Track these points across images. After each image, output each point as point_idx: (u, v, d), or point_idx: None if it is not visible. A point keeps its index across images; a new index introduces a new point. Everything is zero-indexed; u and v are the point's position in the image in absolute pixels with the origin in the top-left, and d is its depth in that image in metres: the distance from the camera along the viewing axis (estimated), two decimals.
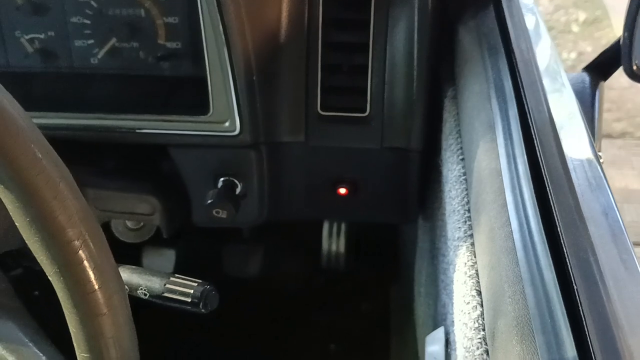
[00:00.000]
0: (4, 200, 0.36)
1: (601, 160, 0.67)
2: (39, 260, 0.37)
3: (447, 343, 0.60)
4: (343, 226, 1.26)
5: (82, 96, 0.74)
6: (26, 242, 0.37)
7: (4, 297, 0.49)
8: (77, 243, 0.36)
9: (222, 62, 0.67)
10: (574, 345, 0.35)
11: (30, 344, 0.45)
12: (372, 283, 1.39)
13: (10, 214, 0.36)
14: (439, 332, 0.63)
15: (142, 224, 0.78)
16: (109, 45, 0.73)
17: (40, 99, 0.74)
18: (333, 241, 1.29)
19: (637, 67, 0.60)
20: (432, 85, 0.72)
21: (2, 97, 0.35)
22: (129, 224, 0.78)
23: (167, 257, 1.23)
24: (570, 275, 0.38)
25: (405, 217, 0.84)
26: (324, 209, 0.83)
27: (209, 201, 0.73)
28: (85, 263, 0.36)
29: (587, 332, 0.35)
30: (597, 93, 0.70)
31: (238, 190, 0.75)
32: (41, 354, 0.44)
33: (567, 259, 0.39)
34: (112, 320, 0.38)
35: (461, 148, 0.60)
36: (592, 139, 0.50)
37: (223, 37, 0.65)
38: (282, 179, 0.78)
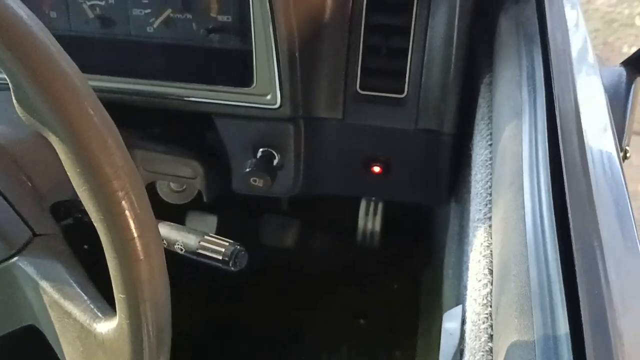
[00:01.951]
0: (58, 151, 0.41)
1: (628, 155, 0.68)
2: (86, 208, 0.41)
3: (464, 321, 0.62)
4: (380, 205, 1.29)
5: (136, 63, 0.78)
6: (76, 190, 0.41)
7: (54, 241, 0.54)
8: (120, 194, 0.40)
9: (268, 37, 0.70)
10: (567, 323, 0.37)
11: (75, 285, 0.50)
12: (404, 263, 1.42)
13: (63, 164, 0.41)
14: (457, 310, 0.65)
15: (184, 186, 0.83)
16: (165, 15, 0.77)
17: (97, 63, 0.78)
18: (369, 219, 1.32)
19: None
20: (469, 70, 0.73)
21: (62, 58, 0.39)
22: (172, 186, 0.82)
23: (209, 223, 1.28)
24: (573, 258, 0.40)
25: (436, 199, 0.86)
26: (356, 185, 0.86)
27: (248, 170, 0.77)
28: (127, 213, 0.40)
29: (581, 312, 0.37)
30: (632, 88, 0.70)
31: (275, 162, 0.79)
32: (84, 294, 0.49)
33: (572, 243, 0.41)
34: (148, 266, 0.42)
35: (491, 133, 0.62)
36: (615, 134, 0.51)
37: (269, 14, 0.68)
38: (318, 153, 0.81)
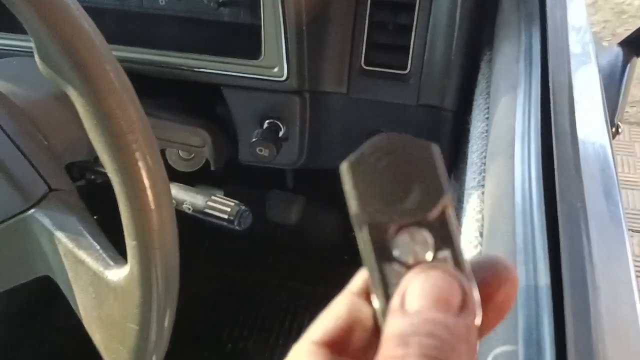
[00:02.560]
0: (76, 105, 0.43)
1: (620, 130, 0.71)
2: (101, 159, 0.44)
3: None
4: None
5: (148, 34, 0.81)
6: (92, 142, 0.44)
7: (69, 196, 0.57)
8: (134, 146, 0.43)
9: (276, 12, 0.72)
10: (549, 276, 0.40)
11: (88, 236, 0.53)
12: None
13: (81, 117, 0.44)
14: None
15: (193, 155, 0.85)
16: None
17: (110, 33, 0.80)
18: None
19: None
20: (472, 48, 0.75)
21: (82, 17, 0.42)
22: (181, 154, 0.85)
23: None
24: (557, 218, 0.43)
25: None
26: None
27: (254, 139, 0.79)
28: (140, 164, 0.43)
29: (561, 266, 0.40)
30: (627, 67, 0.72)
31: (281, 133, 0.82)
32: (96, 244, 0.52)
33: (557, 205, 0.44)
34: (158, 216, 0.44)
35: (488, 108, 0.64)
36: (605, 107, 0.54)
37: None
38: (322, 126, 0.83)
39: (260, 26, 0.75)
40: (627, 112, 2.42)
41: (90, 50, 0.41)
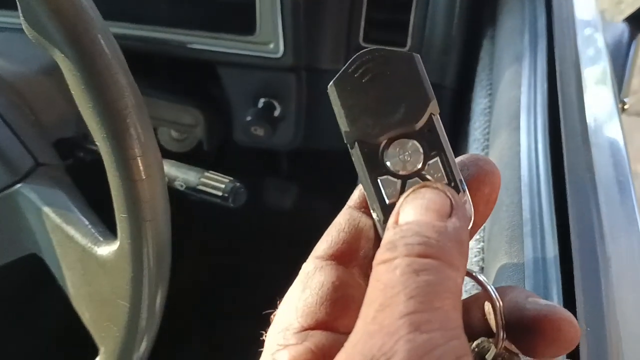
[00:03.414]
0: (63, 69, 0.41)
1: (626, 107, 0.69)
2: (89, 127, 0.42)
3: None
4: None
5: (141, 10, 0.79)
6: (80, 109, 0.42)
7: (57, 172, 0.55)
8: (124, 113, 0.41)
9: None
10: (556, 248, 0.38)
11: (76, 211, 0.51)
12: None
13: (68, 83, 0.41)
14: None
15: (185, 135, 0.83)
16: None
17: (102, 9, 0.78)
18: None
19: None
20: (472, 24, 0.74)
21: None
22: (173, 134, 0.83)
23: None
24: (565, 189, 0.41)
25: None
26: None
27: (249, 119, 0.77)
28: (131, 131, 0.41)
29: (570, 238, 0.38)
30: (633, 44, 0.71)
31: (277, 113, 0.80)
32: (85, 220, 0.50)
33: (565, 175, 0.42)
34: (149, 187, 0.42)
35: (491, 83, 0.62)
36: (614, 80, 0.52)
37: None
38: (319, 105, 0.81)
39: (254, 1, 0.73)
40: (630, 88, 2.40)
41: (78, 12, 0.39)
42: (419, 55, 0.26)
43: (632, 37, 0.71)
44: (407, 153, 0.25)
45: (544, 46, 0.54)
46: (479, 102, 0.63)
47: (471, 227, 0.26)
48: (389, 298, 0.20)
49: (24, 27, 0.41)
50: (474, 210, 0.26)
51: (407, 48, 0.75)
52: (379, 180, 0.25)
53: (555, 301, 0.35)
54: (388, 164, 0.25)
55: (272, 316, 0.28)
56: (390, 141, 0.25)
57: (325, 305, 0.25)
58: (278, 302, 0.28)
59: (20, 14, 0.41)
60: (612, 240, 0.38)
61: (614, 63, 0.65)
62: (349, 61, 0.25)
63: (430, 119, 0.25)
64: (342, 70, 0.25)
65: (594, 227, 0.39)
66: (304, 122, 0.82)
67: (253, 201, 1.35)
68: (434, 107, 0.25)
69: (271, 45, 0.73)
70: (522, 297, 0.24)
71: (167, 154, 0.87)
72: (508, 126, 0.50)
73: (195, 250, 1.30)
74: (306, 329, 0.25)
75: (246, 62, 0.76)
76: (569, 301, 0.35)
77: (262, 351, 0.27)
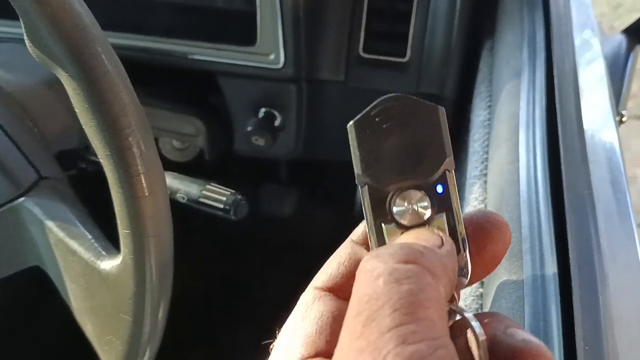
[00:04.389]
0: (67, 88, 0.42)
1: (624, 119, 0.70)
2: (92, 144, 0.43)
3: None
4: None
5: (142, 20, 0.79)
6: (84, 127, 0.42)
7: (60, 184, 0.55)
8: (127, 131, 0.41)
9: None
10: (555, 265, 0.39)
11: (80, 225, 0.51)
12: None
13: (72, 100, 0.42)
14: None
15: (186, 144, 0.84)
16: None
17: (103, 20, 0.79)
18: None
19: None
20: (471, 36, 0.74)
21: (76, 2, 0.40)
22: (175, 143, 0.83)
23: None
24: (564, 206, 0.42)
25: None
26: None
27: (249, 129, 0.78)
28: (134, 149, 0.41)
29: (569, 255, 0.39)
30: (631, 56, 0.71)
31: (277, 122, 0.80)
32: (88, 234, 0.50)
33: (564, 193, 0.43)
34: (152, 203, 0.43)
35: (490, 95, 0.63)
36: (611, 94, 0.52)
37: None
38: (319, 116, 0.82)
39: (255, 12, 0.73)
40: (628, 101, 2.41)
41: (81, 31, 0.40)
42: (444, 109, 0.26)
43: (630, 49, 0.72)
44: (415, 205, 0.25)
45: (542, 61, 0.55)
46: (479, 114, 0.63)
47: (470, 280, 0.26)
48: (375, 312, 0.20)
49: (27, 46, 0.42)
50: (477, 265, 0.26)
51: (406, 59, 0.76)
52: (381, 226, 0.25)
53: (554, 320, 0.36)
54: (394, 211, 0.25)
55: (270, 347, 0.28)
56: (400, 190, 0.25)
57: (325, 335, 0.25)
58: (277, 331, 0.29)
59: (24, 33, 0.41)
60: (610, 257, 0.39)
61: (612, 75, 0.66)
62: (373, 103, 0.25)
63: (444, 174, 0.25)
64: (364, 111, 0.25)
65: (592, 244, 0.39)
66: (304, 132, 0.82)
67: (253, 209, 1.35)
68: (449, 164, 0.25)
69: (272, 56, 0.74)
70: (501, 329, 0.24)
71: (168, 163, 0.88)
72: (508, 141, 0.50)
73: (194, 258, 1.31)
74: (306, 358, 0.25)
75: (247, 73, 0.77)
76: (568, 319, 0.36)
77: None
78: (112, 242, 0.49)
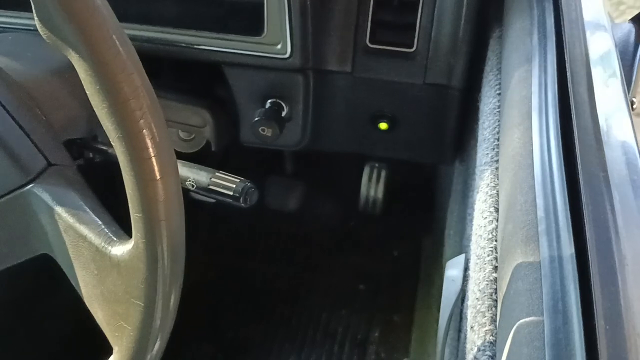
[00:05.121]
0: (78, 70, 0.41)
1: (634, 107, 0.69)
2: (104, 127, 0.42)
3: (467, 268, 0.63)
4: (383, 173, 1.30)
5: (149, 10, 0.79)
6: (95, 109, 0.42)
7: (68, 171, 0.55)
8: (138, 113, 0.41)
9: None
10: (572, 246, 0.39)
11: (89, 211, 0.50)
12: (405, 230, 1.44)
13: (83, 83, 0.41)
14: (460, 258, 0.67)
15: (193, 135, 0.83)
16: None
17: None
18: (372, 186, 1.33)
19: None
20: (479, 25, 0.74)
21: None
22: (182, 134, 0.83)
23: None
24: (579, 187, 0.41)
25: (442, 156, 0.87)
26: (363, 142, 0.87)
27: (256, 119, 0.77)
28: (145, 132, 0.41)
29: (586, 235, 0.38)
30: None
31: (284, 113, 0.80)
32: (98, 219, 0.50)
33: (579, 174, 0.42)
34: (164, 186, 0.42)
35: (499, 83, 0.63)
36: (623, 79, 0.52)
37: None
38: (326, 107, 0.81)
39: (262, 2, 0.73)
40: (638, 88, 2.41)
41: (93, 12, 0.39)
42: None
43: (639, 37, 0.71)
44: None
45: (553, 46, 0.54)
46: (488, 102, 0.63)
47: None
48: None
49: (37, 27, 0.42)
50: None
51: (414, 49, 0.76)
52: None
53: (573, 300, 0.35)
54: None
55: None
56: None
57: None
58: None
59: (35, 14, 0.41)
60: (627, 238, 0.38)
61: (622, 63, 0.65)
62: None
63: None
64: None
65: (609, 225, 0.39)
66: (311, 122, 0.82)
67: (259, 203, 1.35)
68: None
69: (279, 46, 0.74)
70: None
71: (175, 154, 0.87)
72: (520, 125, 0.50)
73: (200, 252, 1.31)
74: None
75: (254, 63, 0.76)
76: (587, 299, 0.35)
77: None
78: (123, 227, 0.49)
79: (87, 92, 0.42)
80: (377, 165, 1.29)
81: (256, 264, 1.35)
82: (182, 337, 1.16)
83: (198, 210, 0.82)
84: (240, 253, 1.35)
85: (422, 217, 1.39)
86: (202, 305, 1.25)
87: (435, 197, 1.33)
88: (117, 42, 0.40)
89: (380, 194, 1.32)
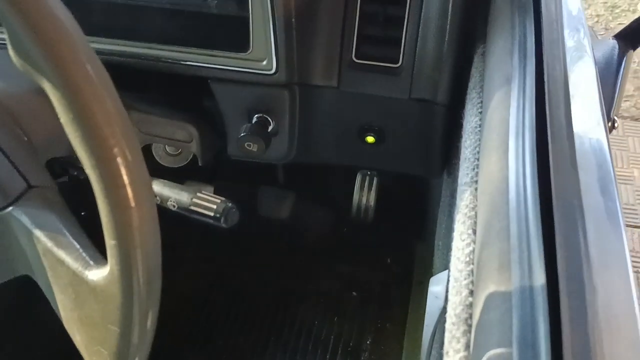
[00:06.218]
0: (51, 98, 0.41)
1: (616, 125, 0.69)
2: (78, 155, 0.42)
3: (449, 283, 0.64)
4: (375, 180, 1.30)
5: (134, 26, 0.79)
6: (69, 138, 0.42)
7: (49, 193, 0.55)
8: (112, 141, 0.41)
9: (264, 3, 0.71)
10: (544, 275, 0.39)
11: (68, 234, 0.51)
12: (398, 238, 1.44)
13: (57, 112, 0.42)
14: (443, 274, 0.67)
15: (179, 150, 0.83)
16: None
17: (95, 26, 0.79)
18: (364, 194, 1.33)
19: None
20: (464, 42, 0.74)
21: (56, 6, 0.39)
22: (168, 149, 0.83)
23: None
24: (553, 215, 0.41)
25: (429, 170, 0.87)
26: (350, 155, 0.87)
27: (242, 134, 0.77)
28: (119, 159, 0.41)
29: (557, 265, 0.38)
30: (623, 61, 0.71)
31: (270, 128, 0.80)
32: (76, 243, 0.50)
33: (552, 202, 0.42)
34: (139, 213, 0.42)
35: (481, 101, 0.63)
36: (602, 101, 0.52)
37: None
38: (313, 121, 0.81)
39: (248, 18, 0.73)
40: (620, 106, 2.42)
41: (65, 40, 0.39)
42: None
43: (622, 54, 0.71)
44: None
45: (532, 67, 0.54)
46: (470, 120, 0.63)
47: None
48: None
49: (10, 54, 0.42)
50: None
51: (399, 64, 0.76)
52: None
53: (542, 331, 0.35)
54: None
55: None
56: None
57: None
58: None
59: (8, 44, 0.41)
60: (600, 266, 0.38)
61: (604, 80, 0.65)
62: None
63: None
64: None
65: (582, 253, 0.39)
66: (298, 137, 0.82)
67: (250, 212, 1.35)
68: None
69: (264, 62, 0.74)
70: None
71: (162, 169, 0.87)
72: (499, 148, 0.50)
73: (193, 260, 1.31)
74: None
75: (240, 79, 0.76)
76: (556, 331, 0.35)
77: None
78: (102, 250, 0.49)
79: (60, 119, 0.42)
80: (369, 173, 1.29)
81: (247, 273, 1.35)
82: (173, 347, 1.17)
83: (189, 220, 0.82)
84: (231, 262, 1.35)
85: (414, 225, 1.39)
86: (193, 314, 1.25)
87: (426, 204, 1.33)
88: (89, 70, 0.40)
89: (372, 202, 1.32)
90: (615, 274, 0.40)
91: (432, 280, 0.68)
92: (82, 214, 0.76)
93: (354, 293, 1.38)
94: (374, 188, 1.32)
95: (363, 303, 1.37)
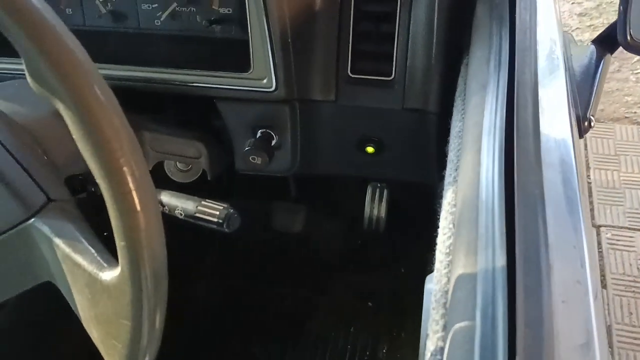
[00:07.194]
0: (64, 118, 0.47)
1: (593, 124, 0.73)
2: (89, 167, 0.48)
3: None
4: (385, 192, 1.34)
5: (145, 53, 0.85)
6: (81, 152, 0.48)
7: (67, 206, 0.60)
8: (118, 153, 0.46)
9: (262, 26, 0.76)
10: (505, 258, 0.43)
11: (84, 241, 0.56)
12: (410, 247, 1.47)
13: (70, 129, 0.47)
14: None
15: (190, 166, 0.89)
16: (171, 9, 0.84)
17: (109, 53, 0.85)
18: (375, 205, 1.37)
19: (632, 38, 0.65)
20: (451, 53, 0.78)
21: (68, 37, 0.45)
22: (179, 165, 0.89)
23: None
24: (514, 205, 0.46)
25: (427, 175, 0.92)
26: (352, 165, 0.91)
27: (247, 149, 0.83)
28: (125, 169, 0.46)
29: (515, 249, 0.42)
30: (601, 65, 0.75)
31: (274, 142, 0.85)
32: (91, 248, 0.55)
33: (515, 193, 0.46)
34: (144, 217, 0.48)
35: (464, 107, 0.67)
36: (570, 102, 0.56)
37: (263, 5, 0.75)
38: (313, 134, 0.86)
39: (248, 41, 0.78)
40: (634, 112, 2.43)
41: (76, 66, 0.45)
42: None
43: (599, 58, 0.75)
44: None
45: (505, 74, 0.59)
46: (455, 126, 0.67)
47: None
48: None
49: (28, 80, 0.47)
50: None
51: (392, 77, 0.81)
52: None
53: (500, 306, 0.39)
54: None
55: None
56: None
57: None
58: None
59: (25, 69, 0.47)
60: (557, 249, 0.42)
61: (583, 83, 0.69)
62: None
63: None
64: None
65: (540, 238, 0.43)
66: (300, 149, 0.87)
67: (264, 224, 1.40)
68: None
69: (265, 81, 0.79)
70: None
71: (173, 184, 0.93)
72: (472, 149, 0.54)
73: (208, 272, 1.35)
74: None
75: (243, 97, 0.82)
76: (512, 304, 0.39)
77: None
78: (115, 255, 0.54)
79: (73, 136, 0.47)
80: (379, 185, 1.33)
81: (263, 286, 1.39)
82: (189, 357, 1.21)
83: (205, 235, 0.86)
84: (248, 275, 1.40)
85: (425, 234, 1.42)
86: (209, 327, 1.30)
87: (436, 213, 1.36)
88: (98, 92, 0.46)
89: (383, 213, 1.36)
90: (570, 255, 0.43)
91: (428, 278, 0.71)
92: (105, 234, 0.81)
93: (370, 303, 1.41)
94: (384, 199, 1.35)
95: (378, 313, 1.39)
